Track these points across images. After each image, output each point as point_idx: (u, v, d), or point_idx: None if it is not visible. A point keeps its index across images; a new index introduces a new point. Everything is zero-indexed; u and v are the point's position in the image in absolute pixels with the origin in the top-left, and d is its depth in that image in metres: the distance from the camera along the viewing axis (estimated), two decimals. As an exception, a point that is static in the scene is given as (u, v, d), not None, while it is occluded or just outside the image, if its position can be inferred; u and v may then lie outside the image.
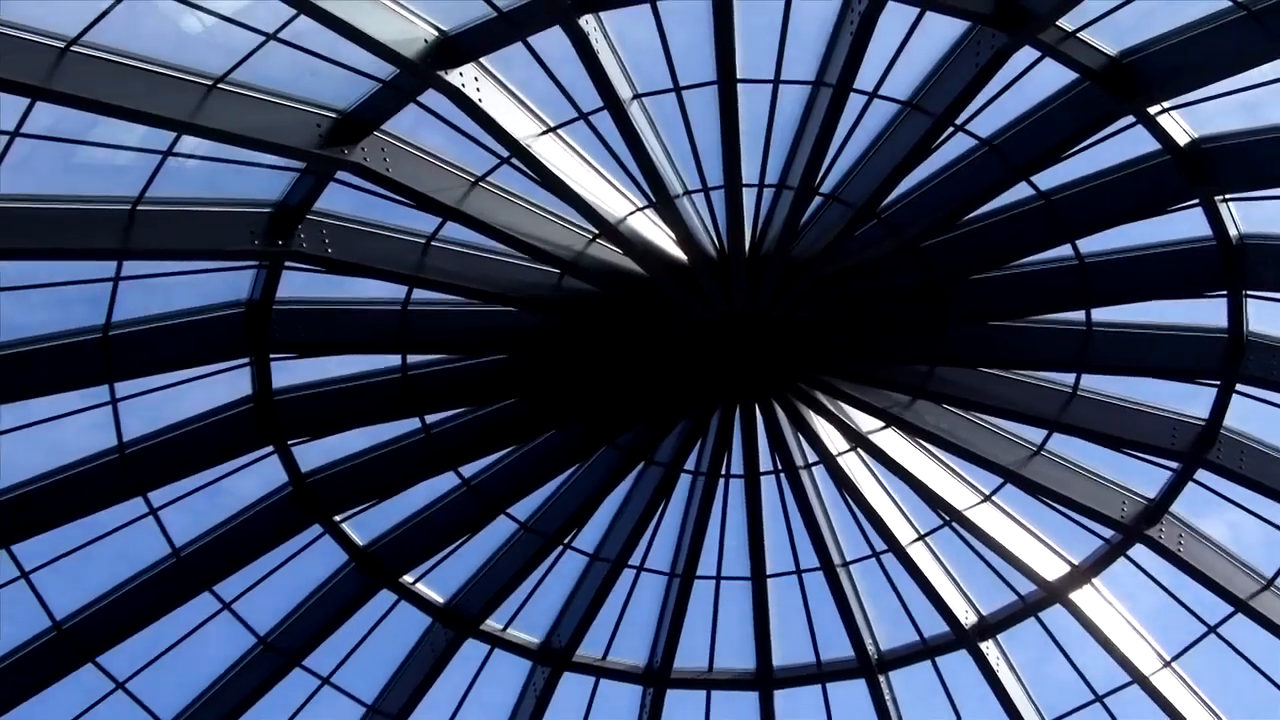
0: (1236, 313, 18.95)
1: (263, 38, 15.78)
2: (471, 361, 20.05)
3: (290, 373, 19.62)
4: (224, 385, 19.47)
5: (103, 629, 20.05)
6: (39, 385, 17.97)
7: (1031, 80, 17.14)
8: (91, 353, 17.88)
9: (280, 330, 18.80)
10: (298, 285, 18.89)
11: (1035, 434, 20.93)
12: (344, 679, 22.07)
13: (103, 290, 17.68)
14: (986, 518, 21.54)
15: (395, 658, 22.51)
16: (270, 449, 19.77)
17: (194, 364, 18.69)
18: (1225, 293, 18.90)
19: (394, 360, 19.77)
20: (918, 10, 16.11)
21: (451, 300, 19.48)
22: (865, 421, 21.26)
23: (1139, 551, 21.28)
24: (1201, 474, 20.40)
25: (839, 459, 21.53)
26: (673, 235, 18.67)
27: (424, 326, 19.40)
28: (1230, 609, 21.09)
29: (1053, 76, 17.05)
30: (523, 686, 23.00)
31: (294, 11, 15.21)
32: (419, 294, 19.14)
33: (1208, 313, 19.26)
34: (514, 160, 17.63)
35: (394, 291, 19.14)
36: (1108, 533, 21.33)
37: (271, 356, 19.11)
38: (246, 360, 19.03)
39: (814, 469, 21.92)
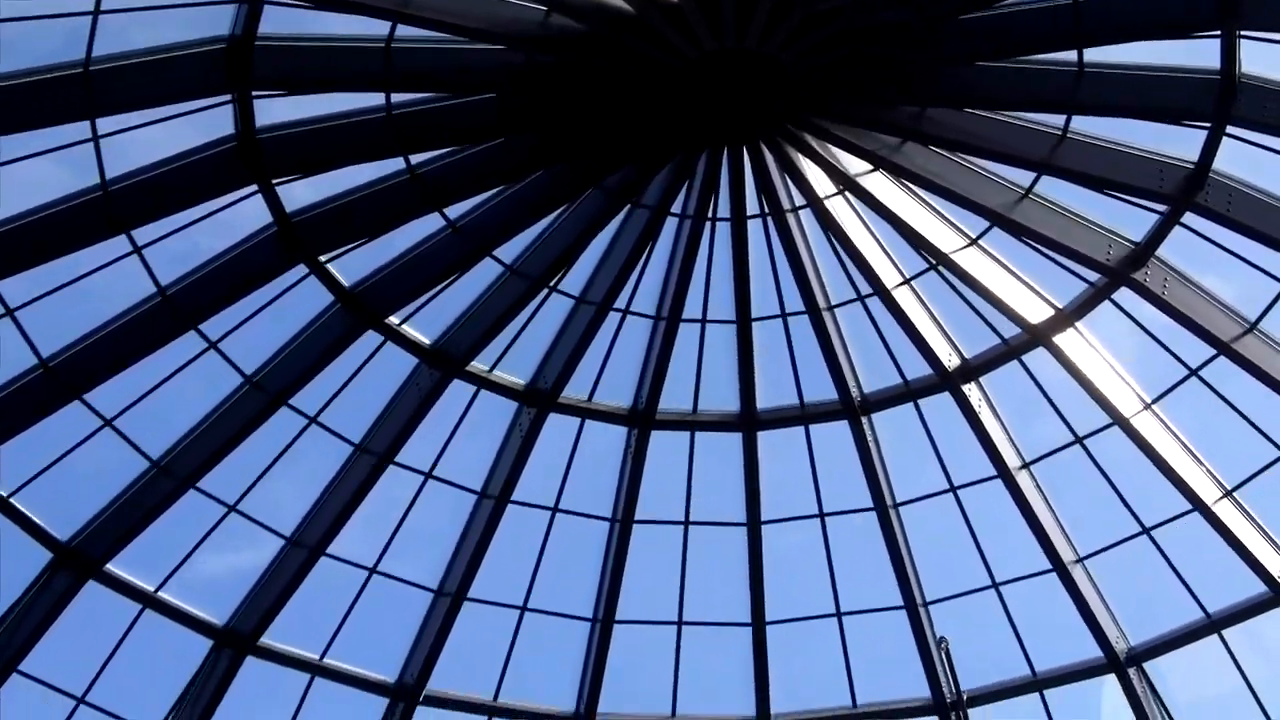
0: (1230, 54, 19.31)
1: None
2: (458, 101, 20.47)
3: (274, 113, 20.08)
4: (207, 124, 19.98)
5: (89, 366, 20.74)
6: (19, 121, 18.42)
7: None
8: (72, 87, 18.28)
9: (263, 66, 19.12)
10: (281, 22, 19.22)
11: (1023, 178, 21.51)
12: (331, 419, 22.93)
13: (82, 24, 18.05)
14: (972, 261, 22.24)
15: (381, 398, 23.30)
16: (254, 188, 20.26)
17: (176, 99, 19.07)
18: (1219, 33, 19.28)
19: (378, 100, 20.18)
20: None
21: (436, 38, 19.82)
22: (853, 164, 21.79)
23: (1124, 295, 21.98)
24: (1189, 218, 21.07)
25: (826, 202, 22.14)
26: (662, -32, 18.93)
27: (408, 64, 19.76)
28: (1213, 352, 21.87)
29: None
30: (509, 427, 23.90)
31: None
32: (403, 30, 19.48)
33: (1201, 54, 19.71)
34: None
35: (378, 29, 19.46)
36: (1093, 276, 22.02)
37: (254, 95, 19.52)
38: (229, 98, 19.42)
39: (801, 213, 22.53)
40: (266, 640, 23.44)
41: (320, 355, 22.03)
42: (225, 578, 24.14)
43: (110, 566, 22.28)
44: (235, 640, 23.24)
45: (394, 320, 22.33)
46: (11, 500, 21.43)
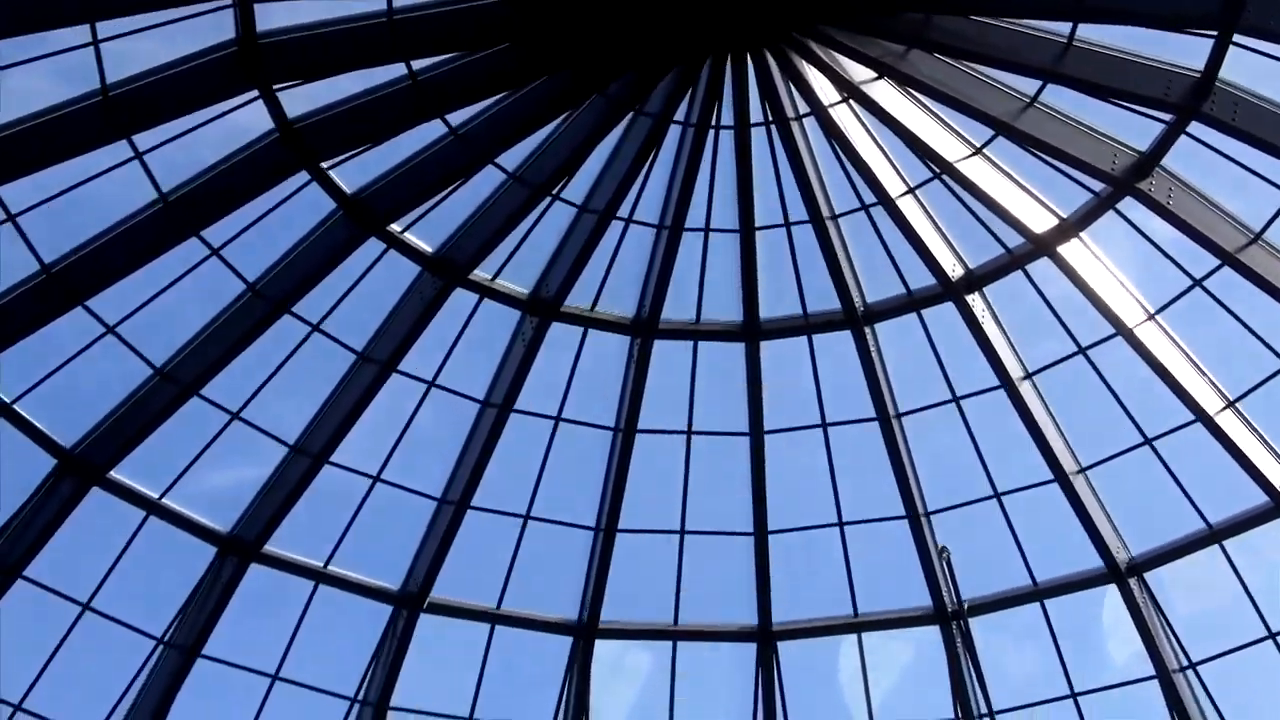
0: (1239, -40, 19.41)
1: None
2: (461, 6, 20.53)
3: (274, 17, 20.12)
4: (207, 31, 20.06)
5: (91, 273, 20.93)
6: (18, 23, 18.51)
7: None
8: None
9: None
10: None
11: (1029, 86, 21.58)
12: (333, 327, 23.12)
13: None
14: (977, 170, 22.33)
15: (384, 307, 23.49)
16: (255, 93, 20.34)
17: (176, 3, 19.15)
18: (1230, -61, 19.33)
19: (380, 4, 20.25)
20: None
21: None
22: (858, 72, 21.86)
23: (1128, 205, 22.10)
24: (1195, 128, 21.12)
25: (830, 110, 22.23)
26: None
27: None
28: (1217, 262, 21.98)
29: None
30: (511, 336, 24.11)
31: None
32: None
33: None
34: None
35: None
36: (1098, 186, 22.13)
37: (255, -1, 19.65)
38: (229, 1, 19.54)
39: (805, 121, 22.63)
40: (270, 548, 23.81)
41: (322, 263, 22.21)
42: (228, 490, 24.47)
43: (114, 474, 22.59)
44: (239, 547, 23.59)
45: (396, 228, 22.48)
46: (15, 406, 21.70)
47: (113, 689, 23.43)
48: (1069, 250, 22.79)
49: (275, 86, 20.36)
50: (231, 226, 21.76)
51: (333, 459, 23.61)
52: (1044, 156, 21.90)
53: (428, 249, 22.93)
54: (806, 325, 24.36)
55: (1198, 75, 20.42)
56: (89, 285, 21.06)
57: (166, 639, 23.44)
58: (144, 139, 20.38)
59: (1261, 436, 23.08)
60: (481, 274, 23.36)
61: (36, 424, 21.92)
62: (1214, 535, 23.60)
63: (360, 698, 24.60)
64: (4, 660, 22.70)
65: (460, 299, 23.46)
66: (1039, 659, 25.26)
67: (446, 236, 23.08)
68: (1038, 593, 24.72)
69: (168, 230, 21.03)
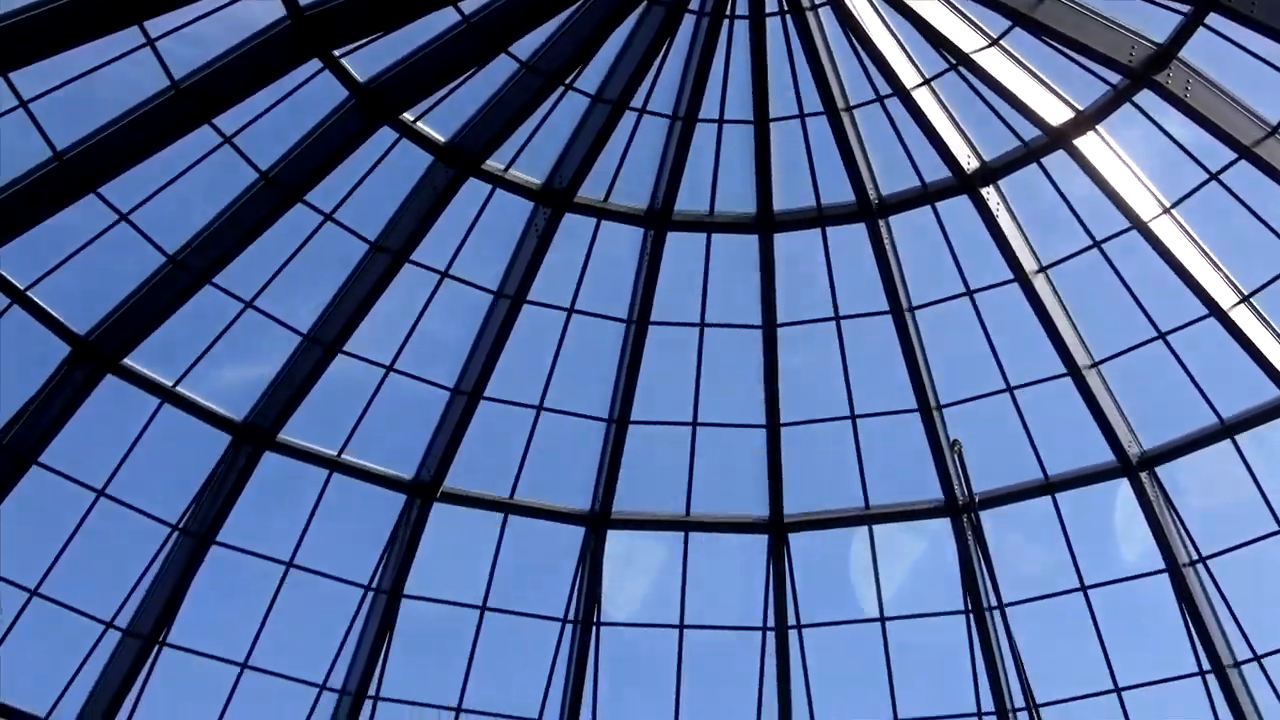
0: None
1: None
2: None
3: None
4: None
5: (104, 159, 21.16)
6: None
7: None
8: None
9: None
10: None
11: (1047, -25, 21.69)
12: (346, 217, 23.39)
13: None
14: (993, 62, 22.47)
15: (396, 197, 23.76)
16: (267, -21, 20.63)
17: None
18: None
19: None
20: None
21: None
22: (874, -40, 22.04)
23: (1145, 98, 22.24)
24: (1213, 19, 21.20)
25: (846, 0, 22.39)
26: None
27: None
28: (1234, 156, 22.17)
29: None
30: (524, 227, 24.38)
31: None
32: None
33: None
34: None
35: None
36: (1115, 78, 22.25)
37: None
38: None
39: (820, 11, 22.73)
40: (285, 436, 24.25)
41: (335, 151, 22.44)
42: (242, 385, 24.78)
43: (128, 361, 22.97)
44: (254, 435, 24.03)
45: (409, 117, 22.71)
46: (29, 293, 22.04)
47: (128, 575, 23.97)
48: (1085, 143, 22.95)
49: (287, -28, 20.56)
50: (244, 115, 22.02)
51: (346, 349, 23.95)
52: (1061, 48, 22.02)
53: (440, 138, 23.16)
54: (820, 218, 24.58)
55: (1217, -35, 20.50)
56: (101, 172, 21.29)
57: (181, 526, 23.91)
58: (155, 25, 20.58)
59: (1275, 331, 23.30)
60: (494, 164, 23.58)
61: (50, 311, 22.22)
62: (1226, 430, 23.90)
63: (374, 586, 25.11)
64: (20, 546, 23.24)
65: (473, 189, 23.72)
66: (1050, 554, 25.72)
67: (459, 126, 23.29)
68: (1049, 486, 25.07)
69: (180, 117, 21.26)
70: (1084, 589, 25.02)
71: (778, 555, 25.84)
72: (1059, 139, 22.91)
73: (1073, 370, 24.26)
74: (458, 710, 25.37)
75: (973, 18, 22.50)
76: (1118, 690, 24.83)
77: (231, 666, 24.50)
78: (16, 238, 21.32)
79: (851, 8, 22.38)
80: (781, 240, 24.82)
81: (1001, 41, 22.48)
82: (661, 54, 22.87)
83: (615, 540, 26.09)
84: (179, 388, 23.54)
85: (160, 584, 23.97)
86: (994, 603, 24.96)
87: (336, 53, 21.65)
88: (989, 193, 23.70)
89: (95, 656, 23.77)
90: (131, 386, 23.21)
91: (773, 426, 25.42)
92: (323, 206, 23.15)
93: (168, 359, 23.54)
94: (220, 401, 24.01)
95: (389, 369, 24.45)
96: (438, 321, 24.93)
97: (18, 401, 22.54)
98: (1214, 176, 22.60)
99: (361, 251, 23.83)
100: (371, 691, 25.02)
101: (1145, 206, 23.17)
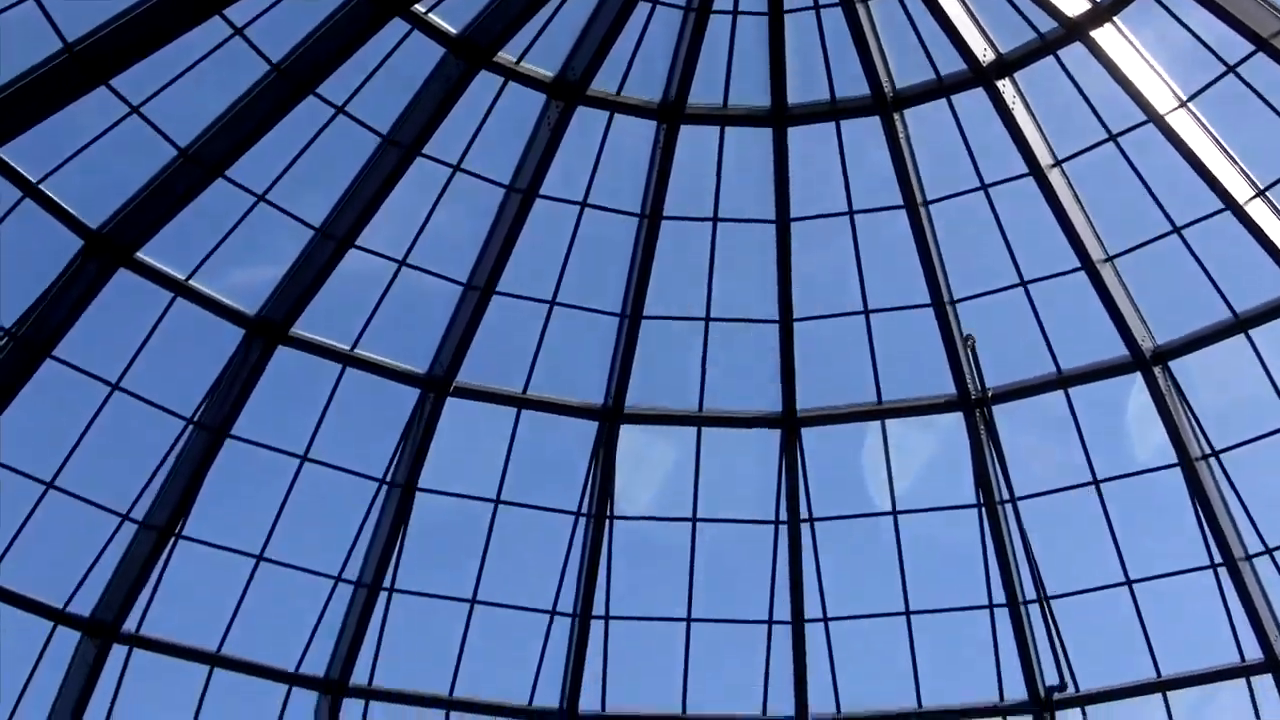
0: None
1: None
2: None
3: None
4: None
5: (114, 51, 21.22)
6: None
7: None
8: None
9: None
10: None
11: None
12: (357, 110, 23.46)
13: None
14: (1010, -49, 22.48)
15: (408, 90, 23.77)
16: None
17: None
18: None
19: None
20: None
21: None
22: None
23: (1163, -12, 22.30)
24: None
25: (862, -112, 22.34)
26: None
27: None
28: (1251, 48, 22.14)
29: None
30: (537, 120, 24.38)
31: None
32: None
33: None
34: None
35: None
36: (1132, -32, 22.28)
37: None
38: None
39: (836, -101, 22.73)
40: (298, 330, 24.44)
41: (346, 43, 22.43)
42: (255, 286, 24.87)
43: (141, 255, 23.12)
44: (267, 329, 24.19)
45: (420, 8, 22.71)
46: (40, 186, 22.14)
47: (143, 469, 24.27)
48: (1102, 36, 22.89)
49: None
50: (255, 6, 22.04)
51: (359, 243, 24.08)
52: (1078, -63, 21.98)
53: (452, 30, 23.16)
54: (834, 110, 24.56)
55: None
56: (112, 64, 21.33)
57: (196, 420, 24.17)
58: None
59: (1291, 225, 23.39)
60: (506, 56, 23.59)
61: (62, 204, 22.31)
62: (1240, 324, 23.99)
63: (388, 480, 25.40)
64: (36, 440, 23.57)
65: (485, 82, 23.74)
66: (1063, 452, 25.90)
67: (471, 18, 23.28)
68: (1062, 380, 25.19)
69: (191, 7, 21.29)
70: (1096, 483, 25.22)
71: (790, 450, 26.04)
72: (1076, 31, 22.86)
73: (1087, 265, 24.32)
74: (472, 602, 25.73)
75: (990, -94, 22.43)
76: (1129, 583, 25.09)
77: (247, 559, 24.82)
78: (28, 130, 21.38)
79: (866, -104, 22.32)
80: (795, 135, 24.79)
81: (1017, -69, 22.40)
82: (675, -56, 22.83)
83: (628, 440, 26.33)
84: (192, 281, 23.66)
85: (176, 477, 24.26)
86: (1005, 496, 25.25)
87: (348, -59, 21.63)
88: (1005, 86, 23.67)
89: (112, 549, 24.16)
90: (145, 281, 23.34)
91: (786, 321, 25.54)
92: (334, 100, 23.19)
93: (181, 255, 23.69)
94: (233, 299, 24.17)
95: (402, 263, 24.59)
96: (450, 216, 25.06)
97: (32, 295, 22.70)
98: (1231, 69, 22.58)
99: (374, 145, 23.89)
100: (386, 584, 25.37)
101: (1162, 100, 23.15)
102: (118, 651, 24.31)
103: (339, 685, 25.42)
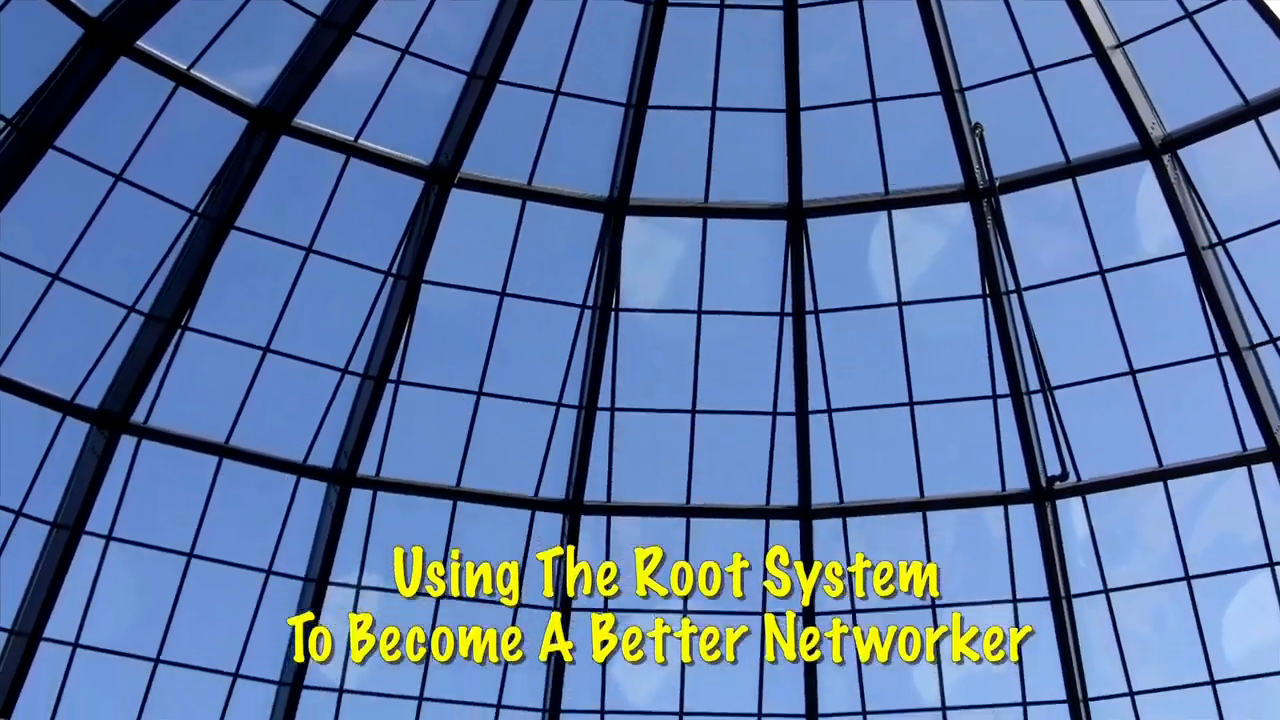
0: None
1: None
2: None
3: None
4: None
5: None
6: None
7: None
8: None
9: None
10: None
11: None
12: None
13: None
14: None
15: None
16: None
17: None
18: None
19: None
20: None
21: None
22: None
23: None
24: None
25: None
26: None
27: None
28: None
29: None
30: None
31: None
32: None
33: None
34: None
35: None
36: None
37: None
38: None
39: None
40: (301, 120, 24.51)
41: None
42: (256, 86, 24.82)
43: (142, 44, 23.11)
44: (270, 120, 24.24)
45: None
46: (41, -28, 22.12)
47: (148, 260, 24.48)
48: None
49: None
50: None
51: (360, 30, 24.03)
52: None
53: None
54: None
55: None
56: None
57: (200, 210, 24.35)
58: None
59: (1306, 11, 23.33)
60: None
61: (61, -10, 22.28)
62: (1251, 110, 23.99)
63: (393, 271, 25.67)
64: (41, 231, 23.76)
65: None
66: (1070, 243, 26.10)
67: None
68: (1070, 169, 25.26)
69: None
70: (1102, 273, 25.48)
71: (796, 241, 26.24)
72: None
73: (1097, 51, 24.28)
74: (478, 394, 26.16)
75: None
76: (1132, 372, 25.47)
77: (255, 351, 25.18)
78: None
79: None
80: (807, 13, 24.79)
81: None
82: None
83: (634, 234, 26.49)
84: (194, 71, 23.68)
85: (181, 268, 24.48)
86: (1012, 287, 25.52)
87: None
88: None
89: (119, 341, 24.49)
90: (146, 70, 23.34)
91: (792, 110, 25.53)
92: None
93: (182, 45, 23.66)
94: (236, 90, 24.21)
95: (404, 51, 24.55)
96: (449, 10, 24.99)
97: (33, 85, 22.74)
98: None
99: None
100: (393, 376, 25.78)
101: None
102: (126, 442, 24.71)
103: (347, 476, 25.92)
